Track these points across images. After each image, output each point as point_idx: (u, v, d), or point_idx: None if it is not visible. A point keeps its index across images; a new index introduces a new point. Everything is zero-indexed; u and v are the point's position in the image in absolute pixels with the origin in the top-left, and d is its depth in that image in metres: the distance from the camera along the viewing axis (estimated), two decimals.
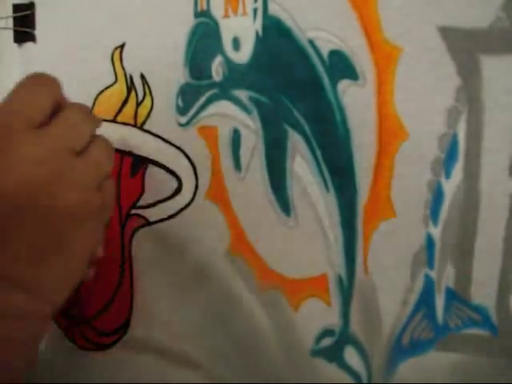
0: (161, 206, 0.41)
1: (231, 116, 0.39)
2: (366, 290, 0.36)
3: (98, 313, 0.45)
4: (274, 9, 0.36)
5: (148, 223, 0.42)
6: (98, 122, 0.38)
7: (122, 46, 0.42)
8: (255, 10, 0.37)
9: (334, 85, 0.35)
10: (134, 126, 0.42)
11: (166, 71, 0.40)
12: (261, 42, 0.37)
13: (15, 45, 0.46)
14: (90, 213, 0.35)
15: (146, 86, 0.41)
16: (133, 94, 0.42)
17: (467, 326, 0.33)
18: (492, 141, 0.32)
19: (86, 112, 0.37)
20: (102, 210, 0.36)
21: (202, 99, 0.39)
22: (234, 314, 0.40)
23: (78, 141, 0.36)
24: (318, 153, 0.36)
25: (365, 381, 0.36)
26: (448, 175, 0.33)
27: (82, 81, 0.43)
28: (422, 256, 0.34)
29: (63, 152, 0.34)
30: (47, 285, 0.35)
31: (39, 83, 0.36)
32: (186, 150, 0.40)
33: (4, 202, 0.32)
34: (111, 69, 0.42)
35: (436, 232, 0.34)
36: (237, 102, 0.38)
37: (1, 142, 0.33)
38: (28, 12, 0.45)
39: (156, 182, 0.42)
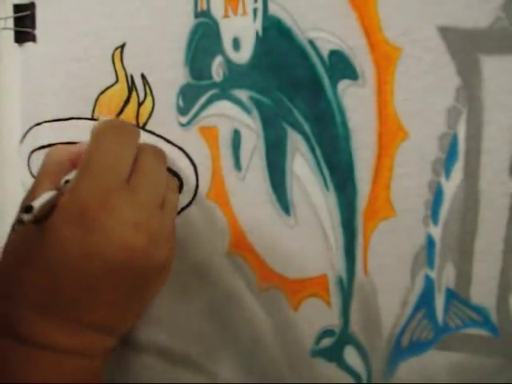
0: None
1: (231, 116, 0.39)
2: (365, 290, 0.36)
3: None
4: (274, 9, 0.36)
5: None
6: (166, 161, 0.39)
7: (122, 46, 0.42)
8: (255, 10, 0.37)
9: (334, 85, 0.35)
10: (136, 126, 0.42)
11: (167, 71, 0.40)
12: (261, 42, 0.37)
13: (16, 45, 0.46)
14: (171, 261, 0.37)
15: (146, 86, 0.41)
16: (134, 94, 0.42)
17: (467, 326, 0.33)
18: (492, 141, 0.32)
19: (161, 156, 0.38)
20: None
21: (203, 99, 0.39)
22: (233, 313, 0.40)
23: (162, 192, 0.36)
24: (318, 153, 0.36)
25: (365, 381, 0.36)
26: (448, 175, 0.33)
27: (83, 81, 0.43)
28: (422, 256, 0.34)
29: (154, 210, 0.35)
30: (124, 325, 0.37)
31: (123, 133, 0.36)
32: (187, 150, 0.40)
33: (99, 263, 0.33)
34: (112, 69, 0.42)
35: (436, 232, 0.34)
36: (237, 102, 0.38)
37: (100, 203, 0.33)
38: (28, 12, 0.45)
39: None
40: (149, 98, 0.41)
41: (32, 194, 0.36)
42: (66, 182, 0.35)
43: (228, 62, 0.38)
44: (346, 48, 0.35)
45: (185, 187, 0.41)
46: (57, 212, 0.33)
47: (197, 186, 0.40)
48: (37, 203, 0.33)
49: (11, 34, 0.46)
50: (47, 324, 0.34)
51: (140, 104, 0.42)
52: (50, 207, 0.34)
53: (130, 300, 0.36)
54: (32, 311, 0.34)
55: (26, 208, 0.32)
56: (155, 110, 0.41)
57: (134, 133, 0.37)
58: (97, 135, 0.35)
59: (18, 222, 0.32)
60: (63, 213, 0.33)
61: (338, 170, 0.36)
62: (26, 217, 0.32)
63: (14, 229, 0.32)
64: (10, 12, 0.45)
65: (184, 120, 0.40)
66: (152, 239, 0.34)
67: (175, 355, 0.42)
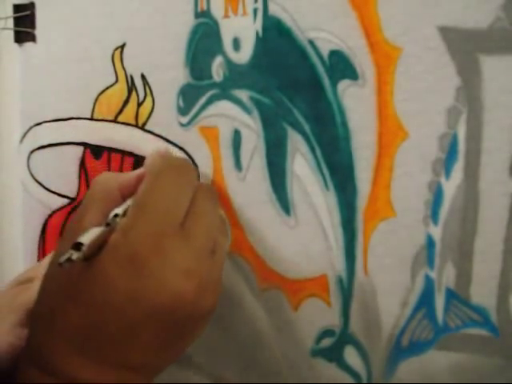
0: None
1: (232, 116, 0.39)
2: (365, 290, 0.36)
3: None
4: (274, 9, 0.36)
5: None
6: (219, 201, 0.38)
7: (122, 46, 0.42)
8: (255, 11, 0.37)
9: (334, 85, 0.35)
10: (136, 126, 0.42)
11: (167, 71, 0.40)
12: (261, 42, 0.37)
13: (15, 45, 0.46)
14: (215, 308, 0.35)
15: (146, 87, 0.41)
16: (134, 94, 0.42)
17: (467, 326, 0.33)
18: (492, 141, 0.32)
19: (215, 198, 0.37)
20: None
21: (203, 99, 0.39)
22: (234, 313, 0.40)
23: (214, 237, 0.35)
24: (318, 153, 0.36)
25: (365, 381, 0.36)
26: (448, 175, 0.33)
27: (83, 81, 0.43)
28: (422, 256, 0.34)
29: (206, 258, 0.34)
30: (162, 366, 0.35)
31: (182, 174, 0.35)
32: (187, 150, 0.40)
33: (144, 308, 0.32)
34: (112, 69, 0.42)
35: (436, 232, 0.34)
36: (237, 102, 0.38)
37: (153, 248, 0.32)
38: (28, 12, 0.45)
39: None
40: (149, 98, 0.41)
41: (80, 222, 0.35)
42: (116, 215, 0.34)
43: (228, 62, 0.38)
44: (346, 48, 0.35)
45: None
46: (106, 251, 0.32)
47: None
48: (86, 240, 0.31)
49: (11, 34, 0.46)
50: (83, 361, 0.33)
51: (140, 104, 0.42)
52: (99, 243, 0.33)
53: (171, 344, 0.35)
54: (69, 346, 0.33)
55: (76, 245, 0.31)
56: (155, 110, 0.41)
57: (193, 174, 0.36)
58: (155, 174, 0.35)
59: (67, 260, 0.30)
60: (113, 253, 0.32)
61: (338, 170, 0.36)
62: (76, 255, 0.31)
63: (60, 265, 0.31)
64: (10, 12, 0.45)
65: (184, 120, 0.40)
66: (201, 286, 0.33)
67: None
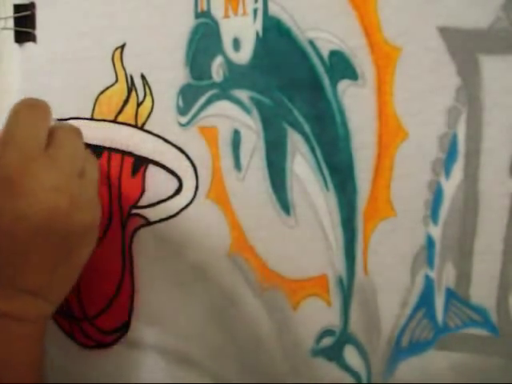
0: (161, 205, 0.42)
1: (231, 116, 0.39)
2: (365, 289, 0.36)
3: (99, 312, 0.45)
4: (274, 9, 0.36)
5: (148, 223, 0.42)
6: (82, 136, 0.41)
7: (122, 47, 0.42)
8: (255, 11, 0.37)
9: (334, 85, 0.35)
10: (135, 126, 0.42)
11: (167, 71, 0.40)
12: (261, 42, 0.37)
13: (16, 45, 0.46)
14: (96, 227, 0.39)
15: (146, 87, 0.41)
16: (133, 94, 0.42)
17: (467, 326, 0.33)
18: (492, 141, 0.32)
19: (76, 131, 0.40)
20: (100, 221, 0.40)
21: (203, 99, 0.40)
22: (234, 313, 0.40)
23: (80, 162, 0.39)
24: (318, 153, 0.36)
25: (364, 380, 0.36)
26: (448, 175, 0.33)
27: (83, 81, 0.43)
28: (422, 256, 0.34)
29: (73, 176, 0.37)
30: (55, 290, 0.39)
31: (36, 107, 0.38)
32: (187, 150, 0.40)
33: (27, 225, 0.35)
34: (112, 69, 0.42)
35: (436, 232, 0.34)
36: (237, 102, 0.38)
37: (22, 169, 0.35)
38: (28, 12, 0.45)
39: (156, 182, 0.42)
40: (148, 98, 0.41)
41: None
42: None
43: (228, 62, 0.38)
44: (346, 48, 0.35)
45: (184, 187, 0.41)
46: None
47: (197, 187, 0.40)
48: None
49: (11, 34, 0.46)
50: None
51: (139, 104, 0.42)
52: None
53: (58, 263, 0.37)
54: None
55: None
56: (155, 109, 0.41)
57: (46, 107, 0.39)
58: (13, 111, 0.38)
59: None
60: None
61: (338, 170, 0.36)
62: None
63: None
64: (10, 12, 0.45)
65: (184, 120, 0.40)
66: (73, 202, 0.36)
67: (175, 354, 0.42)
